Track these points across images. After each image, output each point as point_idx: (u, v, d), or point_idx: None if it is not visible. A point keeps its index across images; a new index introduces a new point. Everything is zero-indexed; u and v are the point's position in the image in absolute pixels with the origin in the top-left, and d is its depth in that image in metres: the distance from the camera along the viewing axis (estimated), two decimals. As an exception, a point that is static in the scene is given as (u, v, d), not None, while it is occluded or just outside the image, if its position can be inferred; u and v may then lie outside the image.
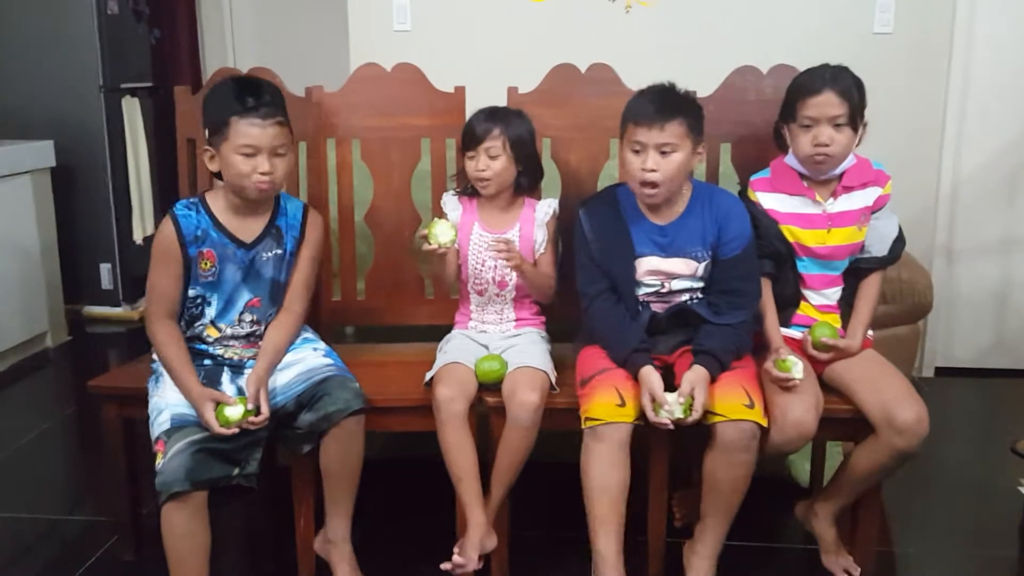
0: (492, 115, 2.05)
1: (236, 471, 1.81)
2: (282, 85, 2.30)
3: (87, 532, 2.30)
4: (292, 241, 1.98)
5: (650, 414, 1.81)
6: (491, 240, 2.03)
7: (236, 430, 1.79)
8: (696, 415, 1.80)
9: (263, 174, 1.83)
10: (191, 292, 1.92)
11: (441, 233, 1.93)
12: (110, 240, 4.13)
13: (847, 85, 1.93)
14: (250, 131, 1.82)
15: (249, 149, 1.82)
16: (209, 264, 1.91)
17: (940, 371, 3.45)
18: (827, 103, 1.92)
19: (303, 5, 4.86)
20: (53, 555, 2.23)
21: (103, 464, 2.25)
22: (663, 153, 1.85)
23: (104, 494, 2.39)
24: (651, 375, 1.84)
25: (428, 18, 3.41)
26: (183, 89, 2.31)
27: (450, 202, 2.13)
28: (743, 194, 2.10)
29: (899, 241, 2.07)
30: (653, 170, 1.85)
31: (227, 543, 2.34)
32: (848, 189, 2.01)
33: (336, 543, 1.97)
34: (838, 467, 2.03)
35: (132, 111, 4.15)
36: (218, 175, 1.90)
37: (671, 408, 1.80)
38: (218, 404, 1.80)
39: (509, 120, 2.04)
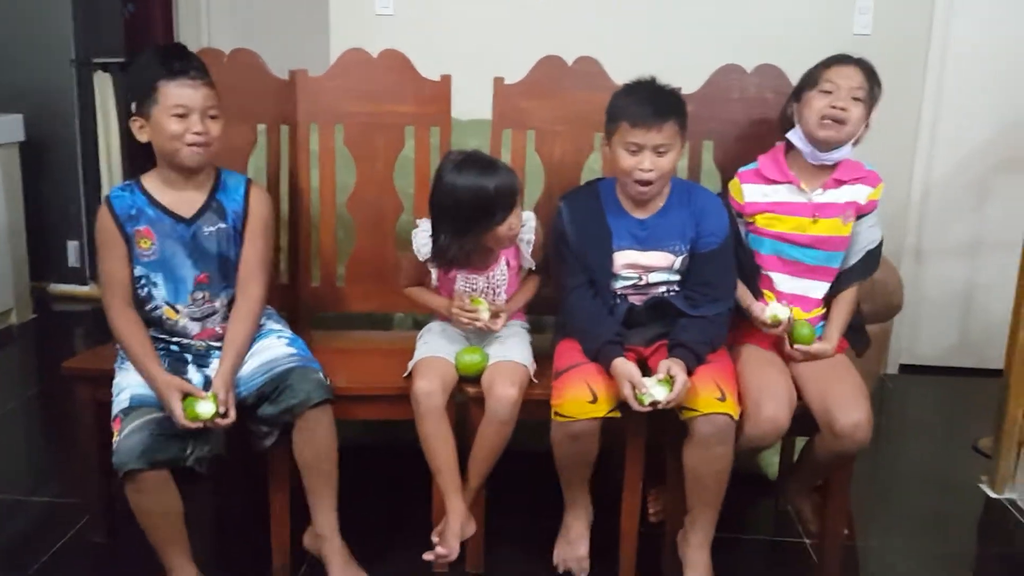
0: (498, 176, 1.91)
1: (189, 452, 1.81)
2: (261, 65, 2.28)
3: (54, 514, 2.27)
4: (235, 216, 1.94)
5: (633, 403, 1.81)
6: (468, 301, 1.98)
7: (201, 425, 1.77)
8: (678, 389, 1.78)
9: (196, 134, 1.81)
10: (135, 272, 1.89)
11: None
12: (78, 217, 4.06)
13: (871, 70, 2.00)
14: (181, 92, 1.80)
15: (181, 109, 1.80)
16: (148, 242, 1.88)
17: (904, 368, 3.52)
18: (852, 75, 1.97)
19: (281, -18, 4.80)
20: (21, 537, 2.20)
21: (74, 445, 2.21)
22: (659, 153, 1.88)
23: (72, 475, 2.36)
24: (626, 364, 1.85)
25: (411, 3, 3.37)
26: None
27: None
28: (726, 190, 2.12)
29: (875, 254, 2.07)
30: (650, 170, 1.88)
31: (202, 529, 2.33)
32: (839, 183, 2.02)
33: (326, 537, 1.93)
34: (799, 453, 2.13)
35: (104, 87, 4.08)
36: (149, 146, 1.85)
37: (651, 391, 1.78)
38: (186, 396, 1.78)
39: (511, 176, 1.94)
